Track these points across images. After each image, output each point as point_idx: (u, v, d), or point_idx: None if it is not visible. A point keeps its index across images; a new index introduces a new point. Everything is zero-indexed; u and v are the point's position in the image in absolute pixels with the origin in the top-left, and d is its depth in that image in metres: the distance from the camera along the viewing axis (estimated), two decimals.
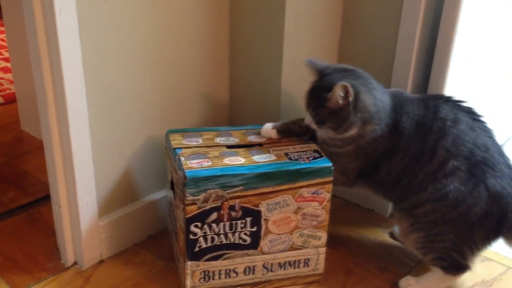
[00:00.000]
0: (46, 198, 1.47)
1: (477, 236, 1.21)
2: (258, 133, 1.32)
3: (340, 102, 1.16)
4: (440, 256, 1.24)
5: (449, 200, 1.18)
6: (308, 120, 1.23)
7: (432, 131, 1.20)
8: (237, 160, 1.20)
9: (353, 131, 1.20)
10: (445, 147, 1.19)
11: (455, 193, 1.17)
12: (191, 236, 1.18)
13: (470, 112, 1.24)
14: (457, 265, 1.24)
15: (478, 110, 1.24)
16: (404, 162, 1.23)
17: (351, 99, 1.16)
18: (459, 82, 1.46)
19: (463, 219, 1.19)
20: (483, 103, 1.39)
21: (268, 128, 1.31)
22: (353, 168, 1.28)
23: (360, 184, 1.33)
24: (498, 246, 1.41)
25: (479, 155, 1.19)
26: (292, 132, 1.31)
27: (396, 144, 1.22)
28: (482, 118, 1.24)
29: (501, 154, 1.22)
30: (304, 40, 1.45)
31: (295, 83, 1.48)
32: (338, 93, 1.15)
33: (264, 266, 1.26)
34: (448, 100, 1.25)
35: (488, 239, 1.23)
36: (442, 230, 1.21)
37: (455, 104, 1.24)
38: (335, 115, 1.18)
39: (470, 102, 1.25)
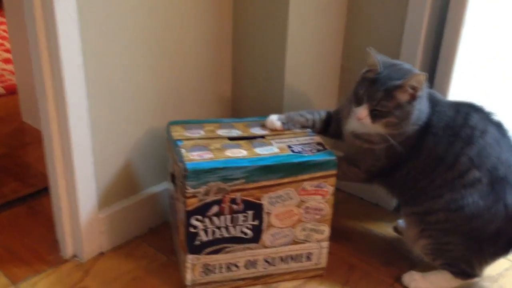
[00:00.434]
0: (47, 189, 1.45)
1: (486, 252, 1.20)
2: (261, 125, 1.30)
3: (410, 94, 1.13)
4: (448, 262, 1.22)
5: (464, 213, 1.15)
6: (363, 113, 1.16)
7: (459, 137, 1.17)
8: (239, 152, 1.18)
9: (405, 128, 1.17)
10: (470, 156, 1.15)
11: (472, 207, 1.14)
12: (191, 229, 1.16)
13: (499, 126, 1.20)
14: (466, 273, 1.23)
15: (506, 125, 1.21)
16: (424, 164, 1.20)
17: (420, 93, 1.13)
18: (463, 81, 1.44)
19: (475, 234, 1.17)
20: (483, 103, 1.37)
21: (273, 119, 1.28)
22: (379, 166, 1.25)
23: (376, 182, 1.31)
24: None
25: (501, 171, 1.16)
26: (297, 124, 1.29)
27: (421, 143, 1.19)
28: (509, 135, 1.21)
29: None
30: (308, 33, 1.43)
31: (299, 76, 1.46)
32: (413, 83, 1.12)
33: (265, 260, 1.24)
34: (479, 110, 1.21)
35: (497, 255, 1.22)
36: (452, 241, 1.19)
37: (485, 115, 1.21)
38: (401, 109, 1.14)
39: (498, 115, 1.22)
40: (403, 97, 1.14)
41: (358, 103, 1.18)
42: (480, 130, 1.17)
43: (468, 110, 1.20)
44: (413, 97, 1.14)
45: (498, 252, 1.21)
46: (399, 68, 1.18)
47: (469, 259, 1.20)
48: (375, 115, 1.15)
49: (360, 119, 1.17)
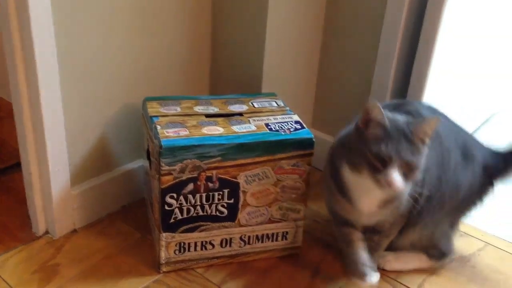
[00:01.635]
0: (19, 165, 1.42)
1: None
2: (240, 103, 1.28)
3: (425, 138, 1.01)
4: (430, 246, 1.25)
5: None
6: (398, 178, 0.97)
7: (470, 166, 1.19)
8: (215, 129, 1.16)
9: None
10: (468, 186, 1.19)
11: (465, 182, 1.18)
12: (166, 207, 1.14)
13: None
14: (442, 253, 1.26)
15: None
16: (444, 192, 1.16)
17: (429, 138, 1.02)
18: (442, 77, 1.44)
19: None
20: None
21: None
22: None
23: None
24: (478, 222, 1.41)
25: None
26: None
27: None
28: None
29: None
30: (289, 9, 1.41)
31: (278, 53, 1.44)
32: (426, 129, 0.99)
33: (241, 239, 1.24)
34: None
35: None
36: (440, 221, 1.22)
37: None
38: (421, 154, 1.00)
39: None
40: (418, 141, 1.00)
41: (380, 166, 0.98)
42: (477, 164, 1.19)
43: (474, 143, 1.21)
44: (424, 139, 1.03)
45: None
46: (404, 110, 1.09)
47: (449, 236, 1.25)
48: (405, 175, 0.98)
49: (397, 186, 0.97)
